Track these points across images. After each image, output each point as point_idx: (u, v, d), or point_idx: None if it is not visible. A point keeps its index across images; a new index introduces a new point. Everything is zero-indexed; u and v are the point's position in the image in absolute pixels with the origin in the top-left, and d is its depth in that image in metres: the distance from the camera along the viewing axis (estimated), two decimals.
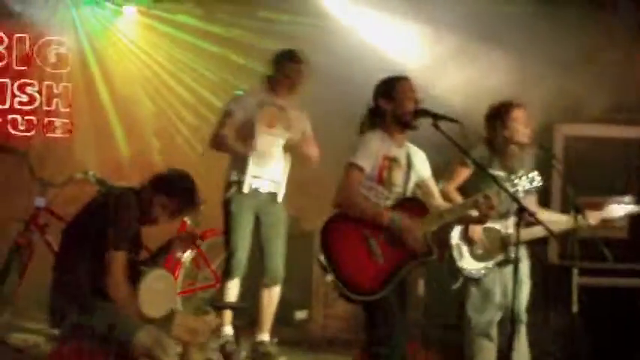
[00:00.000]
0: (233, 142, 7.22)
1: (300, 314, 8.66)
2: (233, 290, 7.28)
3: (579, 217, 6.56)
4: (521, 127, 6.75)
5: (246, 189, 7.21)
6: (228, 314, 7.31)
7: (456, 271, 6.77)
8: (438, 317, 9.01)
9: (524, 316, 6.91)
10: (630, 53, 8.79)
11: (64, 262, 5.56)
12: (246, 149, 7.16)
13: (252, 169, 7.19)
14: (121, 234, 5.47)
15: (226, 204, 7.30)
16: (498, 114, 6.80)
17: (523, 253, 6.89)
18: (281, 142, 7.32)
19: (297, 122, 7.43)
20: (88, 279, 5.42)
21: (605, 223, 6.98)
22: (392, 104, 5.81)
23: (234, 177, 7.27)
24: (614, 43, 8.73)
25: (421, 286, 9.10)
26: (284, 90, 7.39)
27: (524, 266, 6.93)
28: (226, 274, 7.32)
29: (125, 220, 5.51)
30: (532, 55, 8.74)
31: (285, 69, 7.36)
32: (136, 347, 5.35)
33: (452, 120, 5.64)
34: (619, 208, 6.94)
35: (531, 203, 6.85)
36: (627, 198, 6.95)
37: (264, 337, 7.45)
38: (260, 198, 7.31)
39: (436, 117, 5.65)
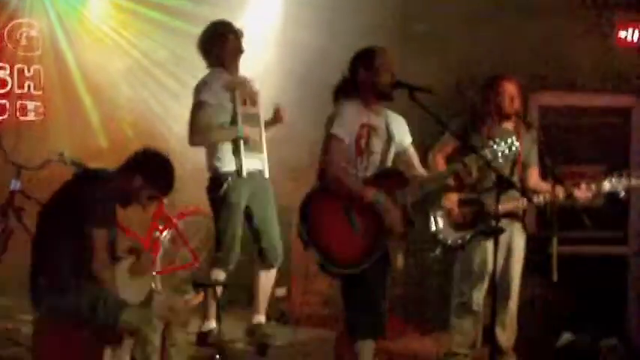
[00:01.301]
0: (218, 131, 7.01)
1: (280, 291, 8.62)
2: (221, 277, 7.09)
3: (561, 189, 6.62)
4: (508, 99, 6.80)
5: (244, 173, 6.99)
6: (212, 311, 6.99)
7: (432, 240, 6.80)
8: (418, 291, 9.06)
9: (513, 292, 6.91)
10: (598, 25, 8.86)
11: (42, 243, 5.54)
12: (232, 134, 7.00)
13: (243, 152, 7.00)
14: (102, 212, 5.45)
15: (222, 198, 7.03)
16: (489, 85, 6.85)
17: (517, 227, 6.92)
18: (257, 117, 7.22)
19: (258, 96, 7.31)
20: (67, 260, 5.40)
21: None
22: (370, 75, 5.78)
23: (224, 168, 7.03)
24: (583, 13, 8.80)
25: (400, 260, 9.11)
26: (234, 65, 7.20)
27: (519, 241, 6.95)
28: (221, 264, 7.08)
29: (104, 198, 5.48)
30: (504, 28, 8.77)
31: (229, 44, 7.15)
32: (122, 326, 5.36)
33: (428, 91, 5.62)
34: (616, 185, 6.90)
35: (533, 176, 6.92)
36: (624, 173, 6.92)
37: (262, 318, 7.33)
38: (254, 179, 7.13)
39: (413, 89, 5.63)
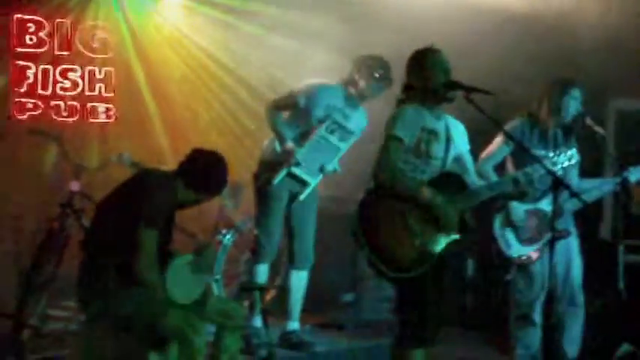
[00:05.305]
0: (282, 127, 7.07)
1: (347, 297, 8.54)
2: (263, 274, 7.12)
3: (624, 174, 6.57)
4: (572, 105, 6.61)
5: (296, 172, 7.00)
6: (256, 311, 7.08)
7: (506, 263, 6.63)
8: (488, 298, 8.91)
9: (579, 299, 6.71)
10: None
11: (93, 242, 5.49)
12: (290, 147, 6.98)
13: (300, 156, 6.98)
14: (155, 212, 5.37)
15: (263, 185, 7.08)
16: (552, 90, 6.65)
17: (572, 229, 6.75)
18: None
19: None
20: (115, 260, 5.33)
21: None
22: (423, 78, 5.62)
23: (275, 157, 7.05)
24: None
25: (470, 267, 8.99)
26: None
27: (574, 243, 6.76)
28: (258, 257, 7.12)
29: (160, 199, 5.42)
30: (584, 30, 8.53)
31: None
32: (166, 329, 5.28)
33: (486, 92, 5.45)
34: None
35: (573, 177, 6.70)
36: None
37: (295, 325, 7.29)
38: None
39: (469, 89, 5.47)
